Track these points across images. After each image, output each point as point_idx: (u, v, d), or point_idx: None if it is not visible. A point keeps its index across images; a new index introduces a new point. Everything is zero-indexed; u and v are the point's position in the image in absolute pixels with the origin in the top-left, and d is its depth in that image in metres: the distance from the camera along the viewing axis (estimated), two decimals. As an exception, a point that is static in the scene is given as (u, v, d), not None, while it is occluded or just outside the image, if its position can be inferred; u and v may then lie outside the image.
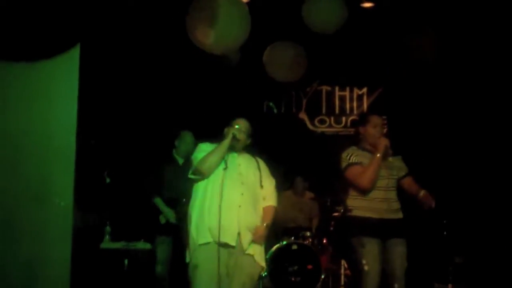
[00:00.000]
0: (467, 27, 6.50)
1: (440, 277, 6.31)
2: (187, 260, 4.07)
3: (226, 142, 4.08)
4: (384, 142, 4.31)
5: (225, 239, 3.90)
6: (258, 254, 4.08)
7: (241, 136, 4.16)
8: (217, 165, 4.06)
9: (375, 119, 4.47)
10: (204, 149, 4.17)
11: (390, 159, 4.37)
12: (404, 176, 4.52)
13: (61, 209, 3.91)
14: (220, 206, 3.90)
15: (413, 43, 6.39)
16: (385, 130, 4.46)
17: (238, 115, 4.35)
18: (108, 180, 6.38)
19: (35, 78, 3.90)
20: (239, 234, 3.97)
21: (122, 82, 6.80)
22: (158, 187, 5.67)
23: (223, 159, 4.07)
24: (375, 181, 4.31)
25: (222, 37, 5.20)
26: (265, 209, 4.20)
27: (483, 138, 7.10)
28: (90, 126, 4.64)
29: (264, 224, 4.12)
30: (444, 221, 4.37)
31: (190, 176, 4.14)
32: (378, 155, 4.28)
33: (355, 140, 4.57)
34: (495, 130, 7.00)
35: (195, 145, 5.24)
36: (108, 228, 6.11)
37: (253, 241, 4.05)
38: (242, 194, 4.03)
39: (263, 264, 4.13)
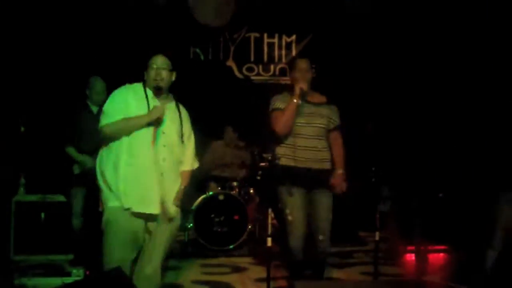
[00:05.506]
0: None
1: (365, 226, 6.40)
2: (101, 209, 3.66)
3: (145, 120, 3.53)
4: (299, 86, 4.17)
5: (148, 210, 3.55)
6: (177, 213, 3.77)
7: (163, 83, 3.65)
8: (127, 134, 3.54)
9: (301, 63, 4.33)
10: (116, 105, 3.56)
11: (316, 108, 4.24)
12: (333, 129, 4.40)
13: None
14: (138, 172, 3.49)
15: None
16: (310, 76, 4.27)
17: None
18: (22, 128, 6.01)
19: None
20: (162, 203, 3.62)
21: (35, 25, 6.39)
22: (72, 136, 5.35)
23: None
24: (290, 127, 4.21)
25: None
26: (183, 174, 3.81)
27: (408, 88, 7.13)
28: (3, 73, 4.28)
29: (182, 187, 3.77)
30: (373, 168, 4.31)
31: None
32: (294, 100, 4.16)
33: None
34: (420, 82, 7.03)
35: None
36: (22, 180, 5.82)
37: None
38: (164, 159, 3.60)
39: (179, 221, 3.81)
